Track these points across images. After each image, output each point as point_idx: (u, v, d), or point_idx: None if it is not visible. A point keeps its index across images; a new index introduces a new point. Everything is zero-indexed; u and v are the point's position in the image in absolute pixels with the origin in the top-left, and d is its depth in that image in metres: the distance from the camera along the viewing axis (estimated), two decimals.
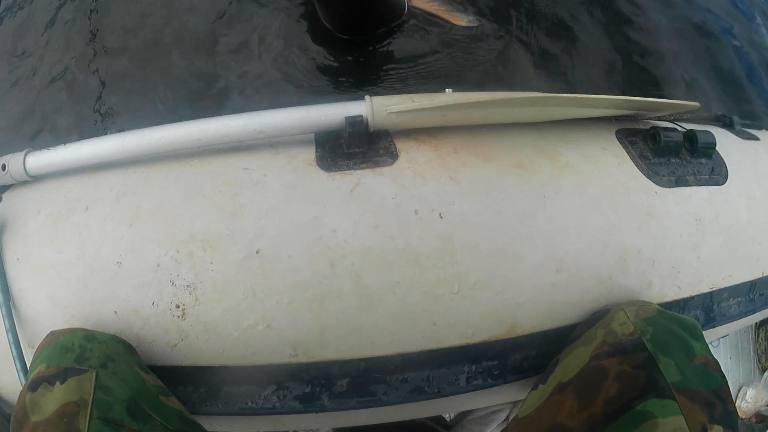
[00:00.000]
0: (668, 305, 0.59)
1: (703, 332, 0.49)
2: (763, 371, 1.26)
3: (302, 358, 0.49)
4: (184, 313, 0.50)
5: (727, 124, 0.75)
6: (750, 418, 1.30)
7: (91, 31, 1.23)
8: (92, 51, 1.20)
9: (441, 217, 0.49)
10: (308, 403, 0.50)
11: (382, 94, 0.54)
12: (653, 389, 0.41)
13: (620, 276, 0.55)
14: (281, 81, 1.07)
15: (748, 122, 0.77)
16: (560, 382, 0.47)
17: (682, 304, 0.60)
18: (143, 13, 1.22)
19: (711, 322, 0.63)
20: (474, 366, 0.50)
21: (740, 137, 0.73)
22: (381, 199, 0.50)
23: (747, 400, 1.26)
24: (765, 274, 0.68)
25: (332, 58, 1.07)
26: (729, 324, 0.66)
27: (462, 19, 1.06)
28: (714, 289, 0.62)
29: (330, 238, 0.48)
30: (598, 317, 0.51)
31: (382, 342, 0.48)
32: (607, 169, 0.56)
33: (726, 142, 0.68)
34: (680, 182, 0.58)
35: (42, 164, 0.59)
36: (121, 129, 0.60)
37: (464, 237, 0.49)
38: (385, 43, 1.06)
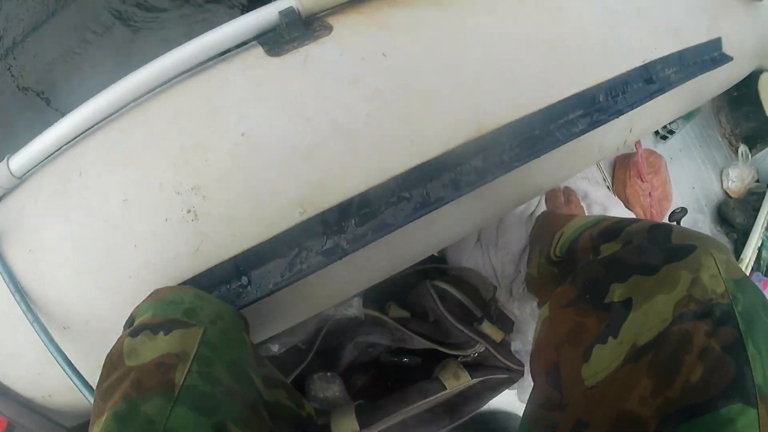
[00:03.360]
0: (610, 83, 0.70)
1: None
2: (736, 151, 1.38)
3: (311, 211, 0.57)
4: (196, 215, 0.58)
5: None
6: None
7: None
8: None
9: (385, 56, 0.60)
10: (330, 254, 0.58)
11: None
12: (740, 390, 0.37)
13: (556, 66, 0.65)
14: None
15: None
16: (635, 344, 0.43)
17: (624, 80, 0.72)
18: None
19: (660, 90, 0.74)
20: (460, 169, 0.60)
21: None
22: (330, 60, 0.60)
23: (733, 180, 1.38)
24: (689, 45, 0.81)
25: None
26: (679, 93, 0.76)
27: None
28: (646, 61, 0.73)
29: (299, 100, 0.58)
30: (678, 251, 0.46)
31: (373, 171, 0.57)
32: None
33: None
34: None
35: (26, 161, 0.67)
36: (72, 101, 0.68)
37: (410, 64, 0.59)
38: None
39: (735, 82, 1.22)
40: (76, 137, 0.66)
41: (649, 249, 0.49)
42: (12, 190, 0.70)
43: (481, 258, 0.92)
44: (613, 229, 0.61)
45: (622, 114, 0.70)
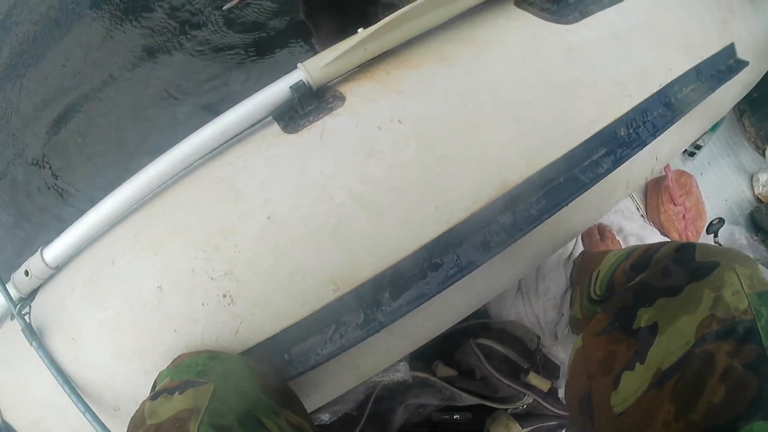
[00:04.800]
0: (629, 115, 0.70)
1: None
2: (763, 153, 1.36)
3: (345, 288, 0.58)
4: (232, 299, 0.59)
5: None
6: None
7: None
8: None
9: (400, 122, 0.61)
10: (367, 326, 0.59)
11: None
12: (762, 407, 0.37)
13: (572, 107, 0.66)
14: None
15: None
16: (659, 369, 0.44)
17: (643, 109, 0.71)
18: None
19: (680, 112, 0.74)
20: (488, 229, 0.60)
21: None
22: (346, 132, 0.61)
23: (764, 184, 1.36)
24: (704, 58, 0.80)
25: None
26: (701, 110, 0.76)
27: None
28: (663, 85, 0.73)
29: (320, 177, 0.59)
30: (702, 269, 0.47)
31: (402, 242, 0.58)
32: (518, 30, 0.68)
33: None
34: (585, 14, 0.70)
35: (59, 251, 0.70)
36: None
37: (426, 129, 0.60)
38: None
39: (755, 84, 1.20)
40: (106, 224, 0.68)
41: (674, 270, 0.51)
42: (48, 280, 0.72)
43: (523, 307, 0.93)
44: (642, 259, 0.63)
45: (646, 145, 0.70)
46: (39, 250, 0.71)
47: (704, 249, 0.51)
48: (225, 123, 0.64)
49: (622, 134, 0.69)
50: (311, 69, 0.64)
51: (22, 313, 0.67)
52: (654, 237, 1.11)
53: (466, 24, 0.69)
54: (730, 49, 0.92)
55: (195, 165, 0.66)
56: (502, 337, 0.88)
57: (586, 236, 1.01)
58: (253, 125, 0.65)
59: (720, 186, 1.39)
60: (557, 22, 0.68)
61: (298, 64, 0.65)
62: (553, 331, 0.91)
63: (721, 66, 0.88)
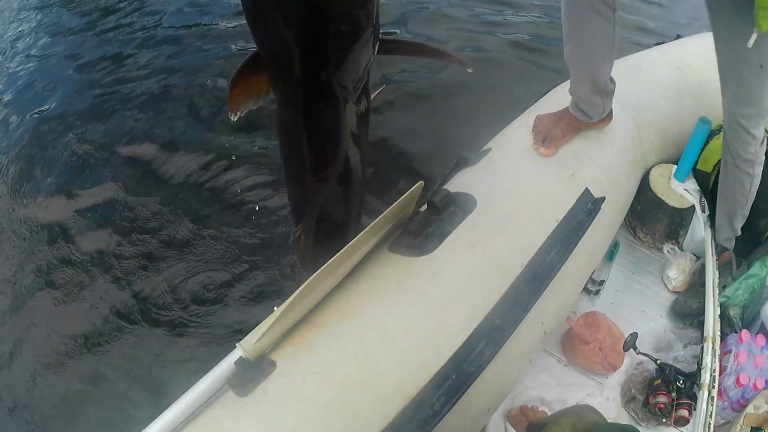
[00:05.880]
0: (502, 302, 0.89)
1: None
2: (662, 250, 1.56)
3: None
4: None
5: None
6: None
7: None
8: None
9: (317, 374, 0.80)
10: None
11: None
12: None
13: (449, 316, 0.85)
14: None
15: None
16: None
17: (512, 294, 0.91)
18: None
19: (548, 278, 0.93)
20: None
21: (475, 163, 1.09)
22: (281, 388, 0.79)
23: (673, 277, 1.55)
24: (560, 219, 1.00)
25: None
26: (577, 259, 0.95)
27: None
28: (525, 264, 0.93)
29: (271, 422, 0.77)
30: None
31: None
32: (394, 273, 0.90)
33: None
34: (443, 236, 0.92)
35: None
36: None
37: (335, 376, 0.80)
38: None
39: (628, 204, 1.40)
40: None
41: None
42: None
43: None
44: None
45: (521, 322, 0.88)
46: None
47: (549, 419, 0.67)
48: (185, 404, 0.83)
49: (498, 322, 0.88)
50: (247, 346, 0.85)
51: None
52: (576, 387, 1.27)
53: (356, 278, 0.91)
54: (585, 196, 1.14)
55: None
56: None
57: (514, 425, 1.16)
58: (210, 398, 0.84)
59: (635, 302, 1.53)
60: (422, 254, 0.90)
61: (237, 344, 0.86)
62: None
63: (581, 215, 1.09)
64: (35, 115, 2.73)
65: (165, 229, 2.04)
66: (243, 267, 1.90)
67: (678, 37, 1.95)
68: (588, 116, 1.28)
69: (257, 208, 2.08)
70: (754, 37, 1.00)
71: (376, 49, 0.77)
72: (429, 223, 0.94)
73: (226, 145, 2.33)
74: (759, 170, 1.35)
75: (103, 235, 2.05)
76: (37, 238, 2.09)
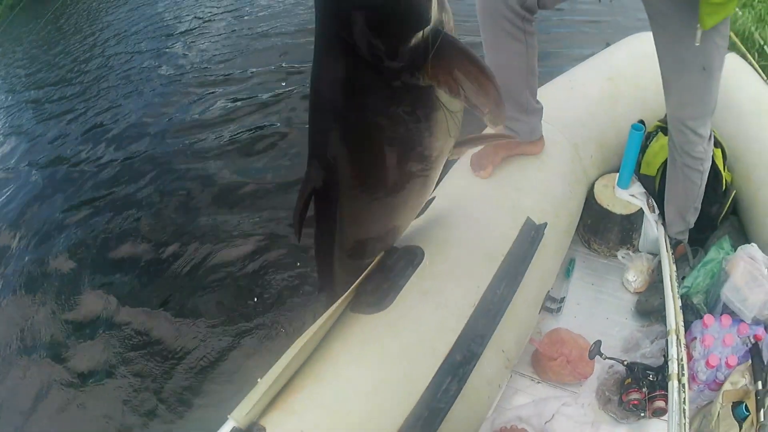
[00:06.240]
0: (459, 341, 1.00)
1: None
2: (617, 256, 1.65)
3: None
4: None
5: None
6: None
7: None
8: None
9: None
10: None
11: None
12: None
13: (411, 362, 0.96)
14: None
15: None
16: None
17: (467, 331, 1.02)
18: None
19: (502, 309, 1.04)
20: None
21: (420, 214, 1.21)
22: None
23: (632, 280, 1.64)
24: (505, 252, 1.11)
25: None
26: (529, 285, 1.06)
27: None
28: (476, 303, 1.04)
29: None
30: None
31: None
32: (359, 334, 1.00)
33: None
34: (397, 290, 1.03)
35: None
36: None
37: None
38: None
39: (575, 224, 1.49)
40: None
41: None
42: None
43: None
44: None
45: (480, 356, 0.99)
46: None
47: None
48: None
49: (459, 359, 0.98)
50: (238, 417, 0.95)
51: None
52: (551, 400, 1.36)
53: (325, 340, 1.01)
54: (527, 225, 1.25)
55: None
56: None
57: None
58: None
59: (599, 311, 1.61)
60: (380, 310, 1.01)
61: (228, 416, 0.96)
62: None
63: (525, 244, 1.21)
64: None
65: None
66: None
67: (607, 45, 2.07)
68: (516, 132, 1.34)
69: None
70: (699, 34, 1.00)
71: None
72: (383, 280, 1.05)
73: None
74: (708, 165, 1.40)
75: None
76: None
